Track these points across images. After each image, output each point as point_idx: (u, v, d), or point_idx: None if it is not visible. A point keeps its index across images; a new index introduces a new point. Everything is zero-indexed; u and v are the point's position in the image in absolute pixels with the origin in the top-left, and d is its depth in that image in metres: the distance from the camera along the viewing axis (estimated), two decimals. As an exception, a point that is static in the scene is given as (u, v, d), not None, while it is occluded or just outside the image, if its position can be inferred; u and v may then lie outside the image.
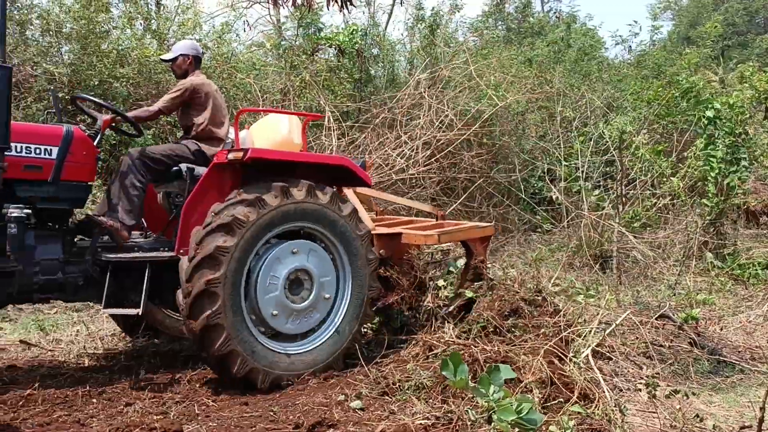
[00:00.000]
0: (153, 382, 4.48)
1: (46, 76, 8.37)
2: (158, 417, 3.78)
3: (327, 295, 4.65)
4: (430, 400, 3.84)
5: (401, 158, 8.99)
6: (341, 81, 10.77)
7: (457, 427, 3.43)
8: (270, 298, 4.42)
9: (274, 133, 5.34)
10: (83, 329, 5.96)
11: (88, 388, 4.33)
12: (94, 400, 4.16)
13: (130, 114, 5.04)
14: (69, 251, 4.56)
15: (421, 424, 3.51)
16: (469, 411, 3.46)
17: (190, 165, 4.89)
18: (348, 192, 5.35)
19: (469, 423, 3.41)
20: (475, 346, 4.29)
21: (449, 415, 3.57)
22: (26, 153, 4.35)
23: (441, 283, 5.49)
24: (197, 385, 4.49)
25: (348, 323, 4.72)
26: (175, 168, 4.91)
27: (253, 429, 3.68)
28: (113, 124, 4.95)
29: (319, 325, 4.67)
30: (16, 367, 5.00)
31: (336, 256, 4.76)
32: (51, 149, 4.44)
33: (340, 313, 4.73)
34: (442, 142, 9.29)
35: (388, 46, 12.62)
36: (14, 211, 4.20)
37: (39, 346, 5.55)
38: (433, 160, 9.22)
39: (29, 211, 4.30)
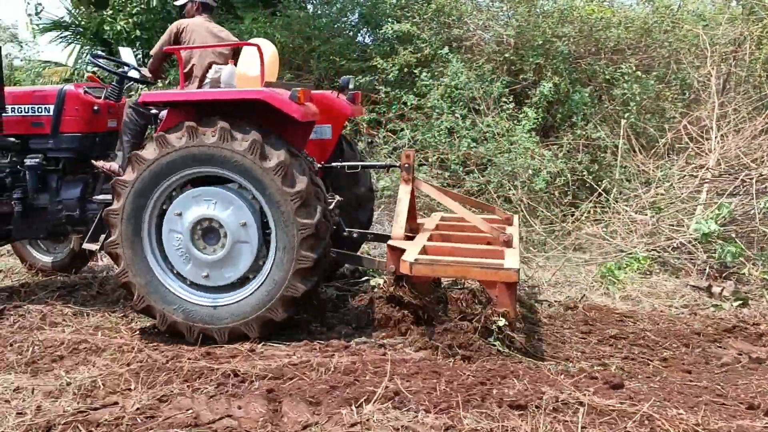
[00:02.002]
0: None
1: (495, 38, 9.11)
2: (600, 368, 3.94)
3: (242, 255, 4.39)
4: None
5: None
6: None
7: None
8: (175, 246, 4.45)
9: (241, 66, 5.18)
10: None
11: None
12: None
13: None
14: (89, 193, 5.19)
15: None
16: None
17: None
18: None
19: None
20: None
21: None
22: (31, 112, 5.22)
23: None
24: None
25: (270, 288, 4.34)
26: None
27: (699, 399, 3.56)
28: (127, 78, 5.48)
29: (245, 277, 4.48)
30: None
31: (256, 212, 4.40)
32: (49, 107, 5.23)
33: (262, 274, 4.40)
34: None
35: None
36: (28, 161, 5.17)
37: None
38: None
39: (39, 159, 5.14)
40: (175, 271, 4.55)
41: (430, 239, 4.83)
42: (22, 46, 11.50)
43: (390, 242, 4.60)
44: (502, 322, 4.13)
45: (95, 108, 5.35)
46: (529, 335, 4.58)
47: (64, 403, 3.61)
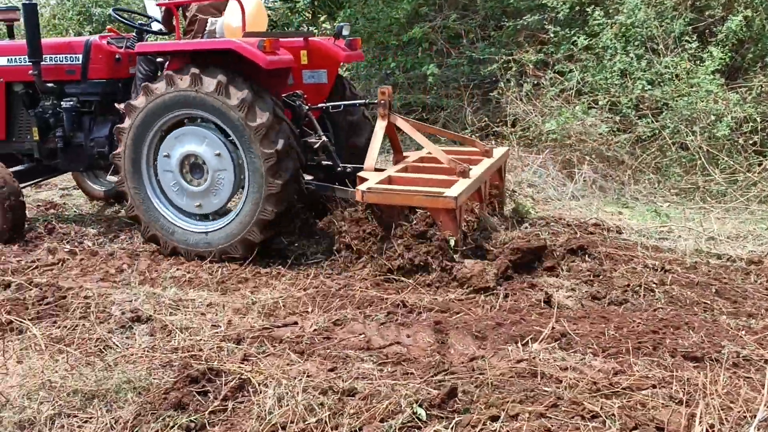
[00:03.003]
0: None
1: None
2: None
3: (222, 185, 4.97)
4: None
5: None
6: None
7: None
8: (168, 178, 5.11)
9: (227, 18, 5.70)
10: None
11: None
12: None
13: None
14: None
15: None
16: None
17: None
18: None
19: None
20: None
21: None
22: (65, 61, 5.81)
23: None
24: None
25: (247, 213, 4.87)
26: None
27: None
28: (145, 30, 5.92)
29: (225, 210, 5.15)
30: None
31: (230, 146, 4.92)
32: (78, 57, 5.79)
33: (241, 201, 4.94)
34: None
35: None
36: (65, 104, 5.83)
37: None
38: None
39: (74, 102, 5.80)
40: (172, 204, 5.19)
41: (403, 170, 5.25)
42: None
43: (359, 174, 4.94)
44: (452, 241, 4.45)
45: (117, 57, 5.90)
46: (703, 287, 4.34)
47: (250, 319, 3.98)
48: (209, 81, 4.74)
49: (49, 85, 5.81)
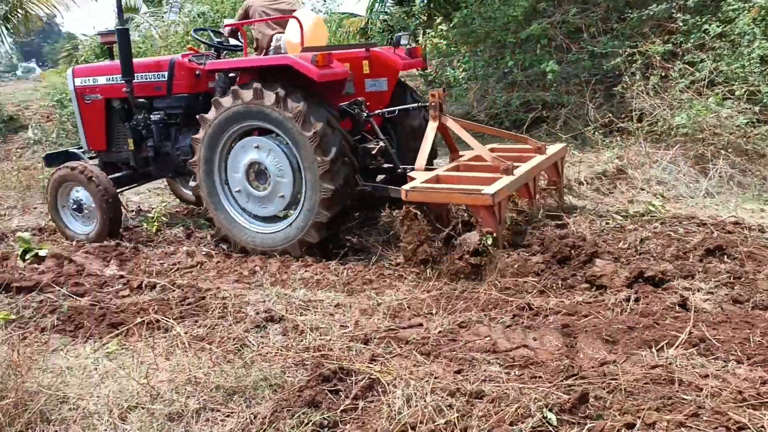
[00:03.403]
0: None
1: None
2: None
3: (282, 190, 5.37)
4: None
5: None
6: None
7: None
8: (236, 181, 5.54)
9: (288, 35, 6.06)
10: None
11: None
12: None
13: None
14: None
15: None
16: None
17: None
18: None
19: None
20: None
21: None
22: (153, 78, 6.38)
23: None
24: None
25: (304, 216, 5.24)
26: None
27: None
28: (221, 48, 6.49)
29: (284, 214, 5.57)
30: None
31: (290, 154, 5.26)
32: (164, 74, 6.36)
33: (299, 207, 5.30)
34: None
35: None
36: (154, 116, 6.41)
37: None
38: None
39: (161, 115, 6.37)
40: (241, 207, 5.63)
41: (452, 170, 5.43)
42: (325, 1, 12.65)
43: (410, 173, 5.17)
44: (489, 240, 4.52)
45: (197, 73, 6.36)
46: None
47: (376, 320, 4.06)
48: (269, 95, 5.13)
49: (141, 100, 6.43)
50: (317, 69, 5.05)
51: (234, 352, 3.71)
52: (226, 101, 5.36)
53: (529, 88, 9.98)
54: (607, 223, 5.45)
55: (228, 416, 3.08)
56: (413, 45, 6.96)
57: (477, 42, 10.75)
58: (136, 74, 6.25)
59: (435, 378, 3.23)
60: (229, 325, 4.03)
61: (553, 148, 5.87)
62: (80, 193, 6.32)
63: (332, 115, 5.26)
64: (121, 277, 5.18)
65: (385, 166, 5.86)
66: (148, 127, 6.50)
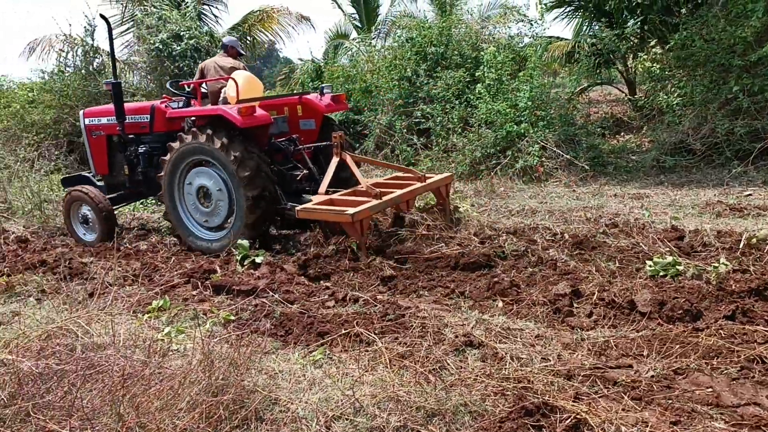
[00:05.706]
0: None
1: None
2: None
3: (221, 205, 7.08)
4: None
5: None
6: None
7: None
8: (191, 204, 7.29)
9: (227, 89, 7.74)
10: None
11: None
12: None
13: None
14: None
15: None
16: None
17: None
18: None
19: None
20: None
21: None
22: (139, 119, 7.97)
23: None
24: None
25: (234, 232, 6.89)
26: None
27: None
28: (187, 96, 7.91)
29: (223, 225, 7.19)
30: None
31: (225, 178, 6.91)
32: (147, 116, 7.91)
33: (231, 223, 7.03)
34: None
35: None
36: (141, 149, 8.01)
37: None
38: None
39: (146, 148, 7.96)
40: (192, 217, 7.30)
41: (345, 195, 6.77)
42: (531, 25, 12.47)
43: (311, 197, 6.78)
44: (354, 246, 6.12)
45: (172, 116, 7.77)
46: None
47: (580, 356, 3.85)
48: (217, 140, 6.71)
49: (131, 136, 8.09)
50: (241, 118, 6.63)
51: (433, 372, 3.71)
52: (187, 138, 6.96)
53: (757, 116, 9.06)
54: None
55: (428, 438, 3.07)
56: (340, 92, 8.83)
57: (696, 65, 9.99)
58: (127, 116, 7.93)
59: (648, 426, 2.98)
60: (429, 346, 4.05)
61: (436, 177, 7.28)
62: (85, 209, 8.12)
63: (262, 159, 6.80)
64: (327, 288, 5.44)
65: (307, 189, 7.35)
66: (138, 157, 8.04)
